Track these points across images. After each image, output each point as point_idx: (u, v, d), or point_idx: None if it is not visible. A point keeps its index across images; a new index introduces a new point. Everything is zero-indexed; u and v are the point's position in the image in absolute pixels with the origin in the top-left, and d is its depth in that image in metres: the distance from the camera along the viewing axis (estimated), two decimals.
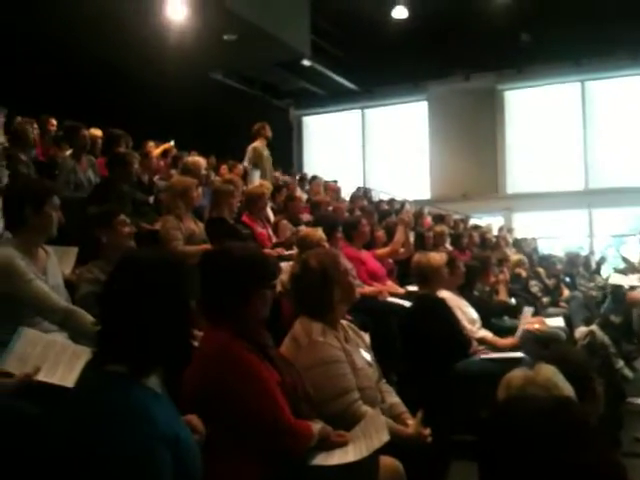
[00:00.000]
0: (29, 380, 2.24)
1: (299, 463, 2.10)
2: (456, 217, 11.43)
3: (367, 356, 2.81)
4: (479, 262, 5.79)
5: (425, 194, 17.82)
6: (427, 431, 2.57)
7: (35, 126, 7.47)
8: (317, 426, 2.20)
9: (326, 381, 2.49)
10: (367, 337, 3.17)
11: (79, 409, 1.55)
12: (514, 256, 8.19)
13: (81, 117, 8.69)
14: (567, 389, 1.70)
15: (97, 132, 8.35)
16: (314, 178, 13.03)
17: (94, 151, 7.28)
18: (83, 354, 2.37)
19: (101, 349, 1.61)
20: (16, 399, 2.13)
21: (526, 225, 15.90)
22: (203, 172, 6.60)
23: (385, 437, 2.19)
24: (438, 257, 4.45)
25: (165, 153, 9.63)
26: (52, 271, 2.87)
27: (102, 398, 1.52)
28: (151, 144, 9.71)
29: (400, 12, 15.41)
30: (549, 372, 1.77)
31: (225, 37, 11.63)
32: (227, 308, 2.17)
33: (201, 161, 6.66)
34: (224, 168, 10.29)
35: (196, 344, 1.83)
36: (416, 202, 14.24)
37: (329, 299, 2.65)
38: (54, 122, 8.60)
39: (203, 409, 1.92)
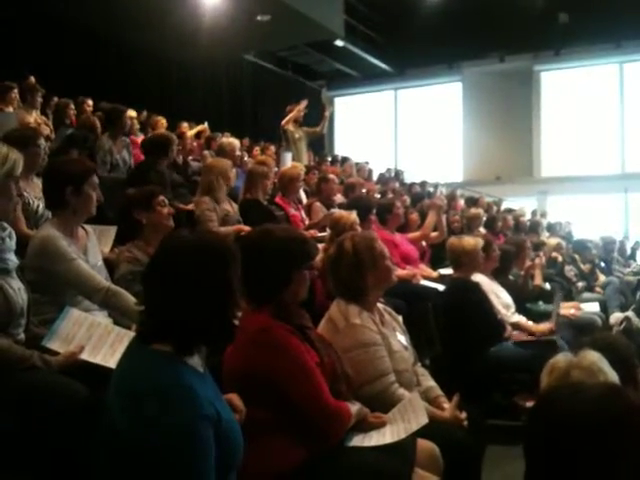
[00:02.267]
0: (74, 359, 2.28)
1: (337, 444, 2.12)
2: (489, 200, 11.30)
3: (403, 339, 2.81)
4: (514, 246, 5.71)
5: (458, 177, 17.65)
6: (463, 415, 2.56)
7: (72, 107, 7.59)
8: (355, 407, 2.21)
9: (363, 364, 2.50)
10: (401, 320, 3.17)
11: (125, 387, 1.58)
12: (552, 240, 8.07)
13: (115, 99, 8.79)
14: (612, 376, 1.67)
15: (132, 113, 8.42)
16: (345, 160, 13.00)
17: (129, 131, 7.36)
18: (125, 337, 2.41)
19: (145, 328, 1.63)
20: (67, 377, 2.16)
21: (560, 209, 15.66)
22: (237, 153, 6.61)
23: (424, 419, 2.20)
24: (472, 241, 4.41)
25: (199, 134, 9.68)
26: (92, 250, 2.91)
27: (147, 376, 1.54)
28: (185, 125, 9.78)
29: None
30: (594, 357, 1.74)
31: (258, 17, 11.55)
32: (268, 289, 2.18)
33: (236, 142, 6.67)
34: (257, 149, 10.32)
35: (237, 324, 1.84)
36: (448, 185, 14.11)
37: (363, 283, 2.66)
38: (90, 103, 8.70)
39: (244, 390, 1.94)
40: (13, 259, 2.32)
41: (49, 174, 2.96)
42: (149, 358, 1.58)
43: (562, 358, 1.82)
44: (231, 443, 1.60)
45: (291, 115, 8.53)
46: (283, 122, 8.54)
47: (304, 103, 8.70)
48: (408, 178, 13.99)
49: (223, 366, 2.07)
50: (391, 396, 2.48)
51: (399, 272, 5.07)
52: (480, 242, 4.46)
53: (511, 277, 5.57)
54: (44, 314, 2.57)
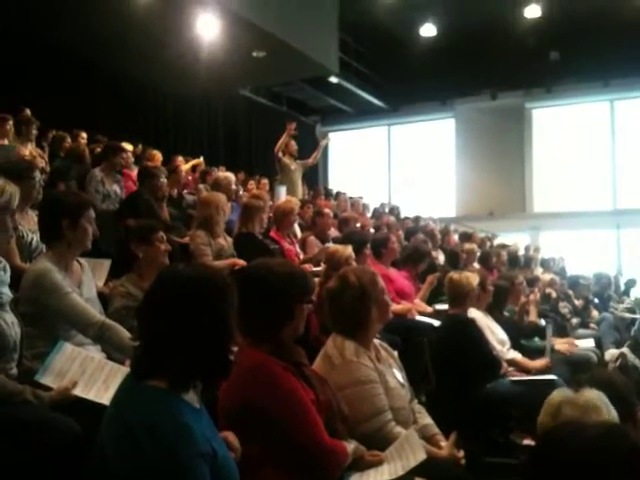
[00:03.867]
0: (67, 394, 2.25)
1: None
2: (482, 235, 11.33)
3: (399, 376, 2.78)
4: (508, 282, 5.71)
5: (451, 211, 17.74)
6: (461, 453, 2.53)
7: (68, 140, 7.63)
8: (351, 446, 2.17)
9: (359, 401, 2.47)
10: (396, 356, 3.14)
11: (120, 424, 1.55)
12: (546, 276, 8.08)
13: (111, 131, 8.85)
14: (612, 413, 1.65)
15: (128, 147, 8.46)
16: (339, 194, 13.06)
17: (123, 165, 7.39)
18: (119, 372, 2.38)
19: (140, 363, 1.60)
20: (59, 413, 2.13)
21: (553, 244, 15.72)
22: (233, 187, 6.63)
23: (421, 456, 2.16)
24: (472, 277, 4.40)
25: (194, 168, 9.73)
26: (87, 284, 2.89)
27: (143, 413, 1.52)
28: (180, 159, 9.83)
29: (428, 30, 15.47)
30: (593, 395, 1.73)
31: (254, 53, 11.73)
32: (269, 324, 2.17)
33: (231, 177, 6.71)
34: (251, 183, 10.37)
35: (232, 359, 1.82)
36: (441, 219, 14.17)
37: (367, 317, 2.64)
38: (84, 135, 8.76)
39: (239, 427, 1.91)
40: (7, 292, 2.30)
41: (45, 206, 2.96)
42: (144, 394, 1.55)
43: (557, 394, 1.81)
44: None
45: (282, 140, 8.56)
46: (276, 149, 8.57)
47: (293, 124, 8.72)
48: (402, 213, 14.04)
49: (218, 402, 2.04)
50: (388, 434, 2.45)
51: (394, 307, 5.05)
52: (477, 278, 4.46)
53: (506, 313, 5.56)
54: (37, 348, 2.54)
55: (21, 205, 3.58)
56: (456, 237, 10.17)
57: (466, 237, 9.32)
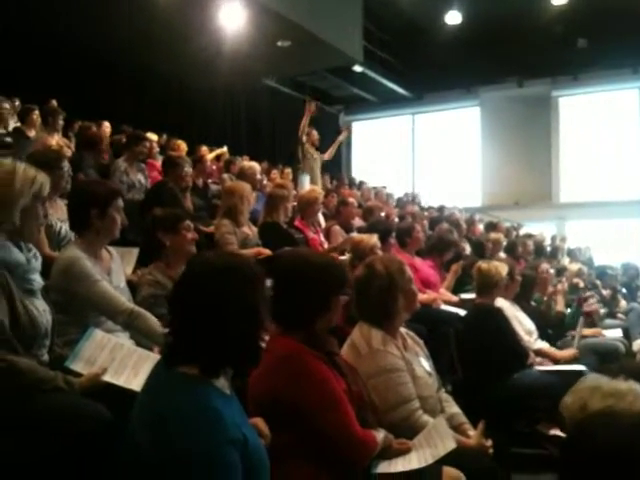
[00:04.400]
0: (97, 380, 2.27)
1: (363, 471, 2.08)
2: (507, 225, 11.23)
3: (426, 365, 2.77)
4: (535, 271, 5.65)
5: (476, 201, 17.60)
6: (489, 443, 2.51)
7: (94, 130, 7.70)
8: (380, 434, 2.17)
9: (387, 390, 2.46)
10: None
11: (151, 410, 1.56)
12: (573, 266, 7.98)
13: (136, 122, 8.92)
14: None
15: (153, 137, 8.53)
16: (362, 183, 13.03)
17: (148, 155, 7.44)
18: (148, 359, 2.40)
19: (171, 350, 1.61)
20: (91, 400, 2.15)
21: (579, 234, 15.53)
22: (258, 177, 6.64)
23: (451, 444, 2.15)
24: (501, 266, 4.36)
25: (218, 158, 9.77)
26: (116, 272, 2.91)
27: (174, 399, 1.53)
28: (204, 149, 9.87)
29: (453, 17, 15.31)
30: (624, 385, 1.70)
31: (279, 43, 11.72)
32: (302, 314, 2.16)
33: (256, 166, 6.72)
34: (274, 173, 10.38)
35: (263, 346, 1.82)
36: (466, 209, 14.07)
37: (394, 306, 2.62)
38: (108, 125, 8.84)
39: (269, 415, 1.92)
40: (38, 280, 2.33)
41: (75, 196, 2.99)
42: (175, 381, 1.56)
43: (586, 383, 1.78)
44: (258, 467, 1.58)
45: (304, 122, 8.44)
46: (299, 132, 8.47)
47: (313, 104, 8.61)
48: (425, 202, 13.98)
49: (249, 389, 2.05)
50: (415, 423, 2.44)
51: (420, 296, 5.03)
52: (506, 267, 4.41)
53: (533, 303, 5.51)
54: (68, 335, 2.57)
55: (50, 194, 3.64)
56: (481, 227, 10.10)
57: (492, 227, 9.24)
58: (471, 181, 18.26)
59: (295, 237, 5.34)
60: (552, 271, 6.09)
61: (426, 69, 16.55)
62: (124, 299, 2.75)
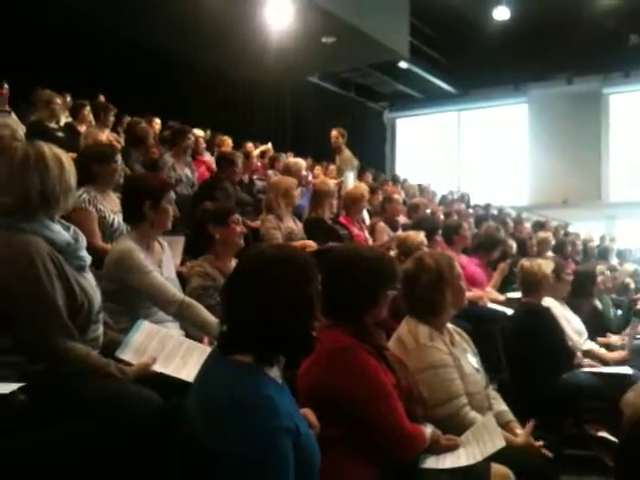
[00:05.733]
0: (147, 369, 2.32)
1: (411, 466, 2.08)
2: (555, 224, 11.03)
3: (474, 361, 2.75)
4: (586, 271, 5.54)
5: (523, 200, 17.33)
6: (539, 443, 2.48)
7: (143, 125, 7.83)
8: (428, 430, 2.17)
9: (433, 385, 2.45)
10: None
11: (206, 398, 1.59)
12: (629, 266, 7.79)
13: (182, 118, 9.05)
14: None
15: (199, 133, 8.64)
16: (405, 181, 12.95)
17: (195, 150, 7.55)
18: (196, 350, 2.44)
19: (225, 339, 1.64)
20: (144, 388, 2.20)
21: (629, 234, 15.15)
22: (303, 173, 6.68)
23: (500, 442, 2.14)
24: (545, 264, 4.29)
25: (263, 154, 9.85)
26: (167, 264, 2.98)
27: (228, 387, 1.56)
28: (250, 145, 9.97)
29: (501, 13, 15.07)
30: None
31: (324, 39, 11.72)
32: (355, 307, 2.18)
33: (302, 162, 6.76)
34: (318, 169, 10.40)
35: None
36: (513, 207, 13.88)
37: (441, 300, 2.61)
38: (158, 121, 8.99)
39: (319, 407, 1.93)
40: (87, 255, 2.36)
41: (128, 188, 3.06)
42: (230, 369, 1.59)
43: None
44: (309, 457, 1.60)
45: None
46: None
47: None
48: (472, 200, 13.83)
49: (298, 381, 2.07)
50: (462, 419, 2.42)
51: (466, 294, 4.98)
52: (551, 265, 4.34)
53: (598, 303, 5.41)
54: (120, 323, 2.64)
55: (103, 187, 3.75)
56: (528, 225, 9.95)
57: (539, 226, 9.10)
58: (518, 179, 17.98)
59: (340, 233, 5.35)
60: (608, 272, 5.95)
61: (472, 65, 16.35)
62: (175, 290, 2.81)
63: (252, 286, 1.61)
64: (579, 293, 5.09)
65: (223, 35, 10.86)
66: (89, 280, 2.31)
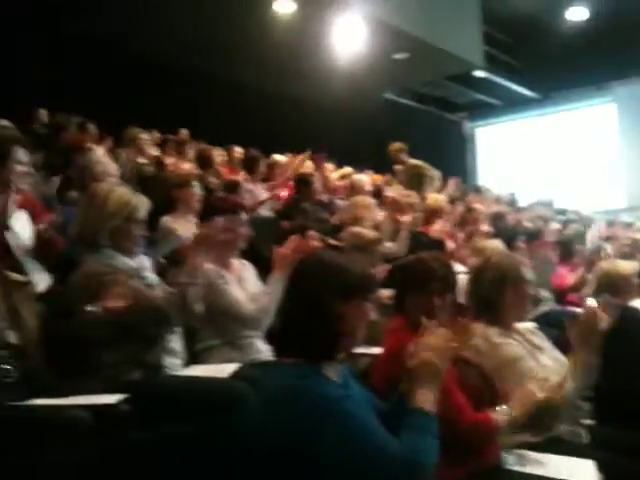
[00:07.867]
0: None
1: (497, 465, 2.10)
2: None
3: (552, 355, 2.70)
4: None
5: (619, 202, 16.57)
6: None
7: (221, 153, 8.22)
8: (499, 414, 2.16)
9: (512, 379, 2.42)
10: None
11: (265, 399, 1.69)
12: None
13: (263, 144, 9.29)
14: None
15: (280, 158, 8.88)
16: (487, 190, 12.74)
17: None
18: None
19: (280, 340, 1.76)
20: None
21: None
22: (367, 188, 6.89)
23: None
24: (628, 265, 4.14)
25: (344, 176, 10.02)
26: (248, 280, 3.13)
27: (285, 384, 1.64)
28: (329, 167, 10.15)
29: (578, 12, 14.68)
30: None
31: (395, 56, 11.76)
32: (412, 309, 2.30)
33: (364, 179, 7.32)
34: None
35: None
36: (607, 212, 13.35)
37: (501, 299, 2.62)
38: (238, 150, 9.28)
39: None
40: (152, 276, 2.66)
41: (205, 210, 3.25)
42: (286, 368, 1.69)
43: None
44: None
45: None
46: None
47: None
48: (558, 206, 13.41)
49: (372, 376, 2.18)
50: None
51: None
52: (636, 266, 4.18)
53: None
54: (203, 341, 2.78)
55: (183, 212, 4.00)
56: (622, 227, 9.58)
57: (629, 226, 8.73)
58: (611, 181, 17.22)
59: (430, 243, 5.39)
60: None
61: (550, 68, 15.88)
62: (249, 303, 2.93)
63: (302, 290, 1.73)
64: None
65: (294, 60, 11.12)
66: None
